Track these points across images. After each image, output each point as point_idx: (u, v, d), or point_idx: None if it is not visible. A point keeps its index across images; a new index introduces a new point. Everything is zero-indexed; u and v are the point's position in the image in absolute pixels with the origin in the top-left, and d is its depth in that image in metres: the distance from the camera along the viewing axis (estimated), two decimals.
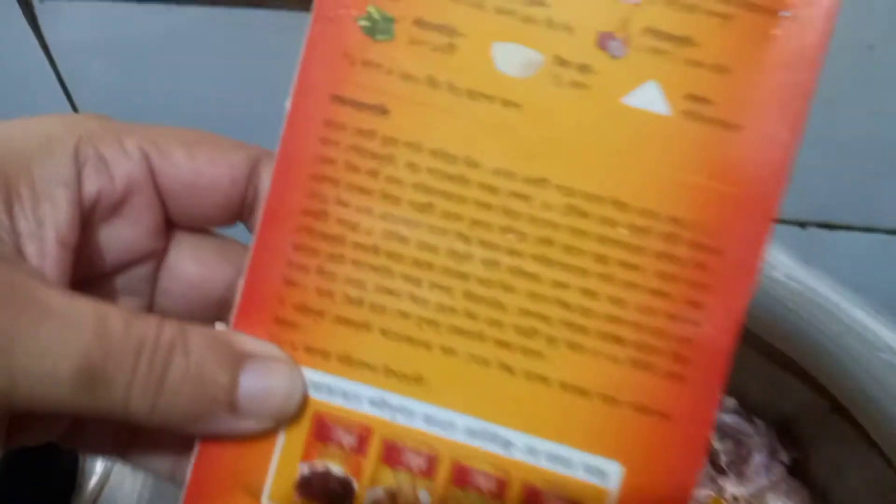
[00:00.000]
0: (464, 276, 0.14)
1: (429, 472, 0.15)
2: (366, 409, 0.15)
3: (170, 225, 0.16)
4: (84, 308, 0.12)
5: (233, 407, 0.14)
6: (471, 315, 0.14)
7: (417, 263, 0.14)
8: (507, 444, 0.15)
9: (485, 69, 0.14)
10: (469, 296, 0.14)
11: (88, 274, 0.15)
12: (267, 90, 0.42)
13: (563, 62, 0.14)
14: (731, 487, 0.36)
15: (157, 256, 0.16)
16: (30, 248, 0.13)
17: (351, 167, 0.14)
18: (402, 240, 0.14)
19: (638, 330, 0.14)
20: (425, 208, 0.14)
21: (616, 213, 0.14)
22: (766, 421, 0.41)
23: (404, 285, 0.15)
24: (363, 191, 0.14)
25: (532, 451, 0.15)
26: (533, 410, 0.14)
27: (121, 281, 0.16)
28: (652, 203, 0.14)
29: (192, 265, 0.17)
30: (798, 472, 0.39)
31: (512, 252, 0.14)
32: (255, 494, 0.15)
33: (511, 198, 0.14)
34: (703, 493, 0.38)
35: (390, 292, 0.15)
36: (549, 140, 0.14)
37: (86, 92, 0.47)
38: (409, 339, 0.15)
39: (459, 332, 0.15)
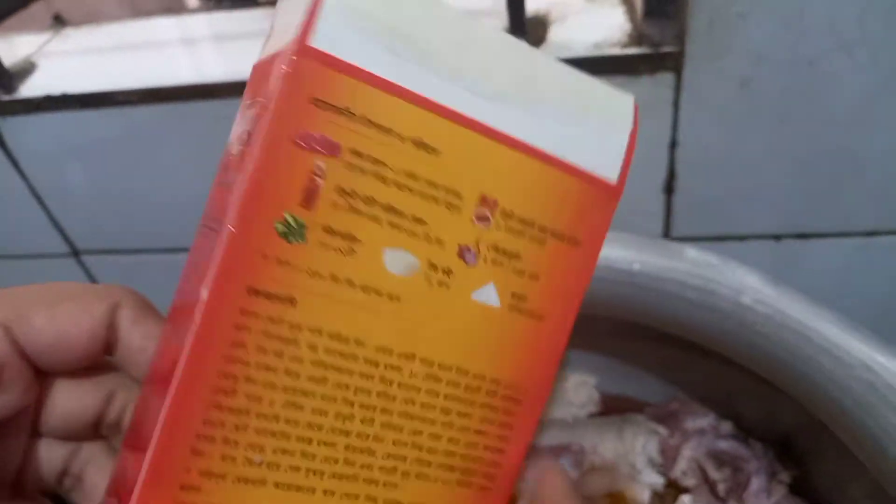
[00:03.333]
0: (346, 433, 0.17)
1: None
2: None
3: (39, 373, 0.18)
4: None
5: None
6: (349, 462, 0.18)
7: (310, 426, 0.17)
8: None
9: (377, 269, 0.17)
10: (349, 447, 0.17)
11: None
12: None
13: (433, 266, 0.17)
14: None
15: (33, 402, 0.18)
16: None
17: (260, 349, 0.16)
18: (299, 407, 0.17)
19: (465, 460, 0.19)
20: (320, 381, 0.17)
21: (459, 377, 0.18)
22: (764, 441, 0.40)
23: (298, 445, 0.17)
24: (269, 368, 0.16)
25: None
26: None
27: (4, 428, 0.17)
28: (483, 369, 0.19)
29: (63, 401, 0.18)
30: (800, 489, 0.39)
31: (384, 411, 0.18)
32: None
33: (387, 369, 0.17)
34: None
35: (285, 452, 0.17)
36: (418, 324, 0.18)
37: (57, 198, 0.48)
38: (298, 488, 0.17)
39: (339, 476, 0.18)
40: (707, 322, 0.33)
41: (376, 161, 0.16)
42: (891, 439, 0.28)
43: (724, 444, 0.39)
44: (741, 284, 0.32)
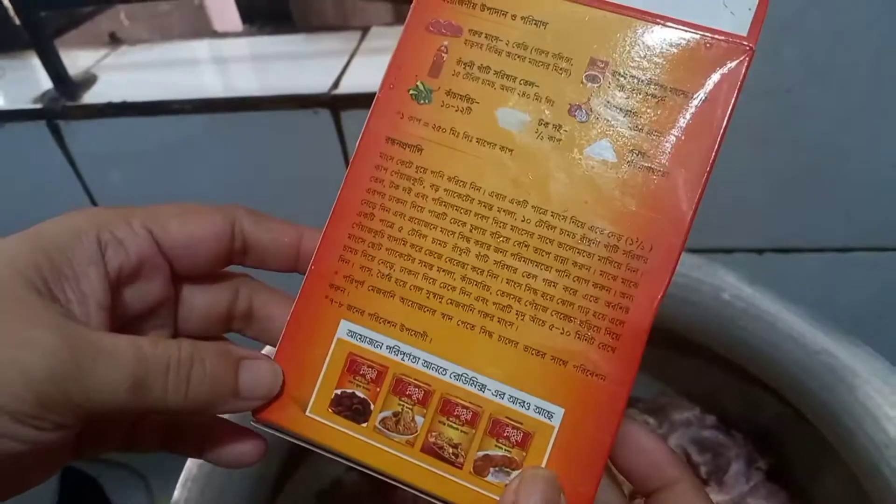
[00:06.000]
0: (462, 265, 0.20)
1: (424, 402, 0.20)
2: (384, 353, 0.20)
3: (177, 276, 0.21)
4: (123, 343, 0.17)
5: (236, 394, 0.19)
6: (465, 292, 0.20)
7: (431, 253, 0.20)
8: (482, 386, 0.20)
9: (490, 125, 0.20)
10: (465, 278, 0.20)
11: (124, 319, 0.20)
12: (266, 180, 0.47)
13: (544, 123, 0.20)
14: (712, 496, 0.39)
15: (173, 299, 0.21)
16: (79, 311, 0.18)
17: (393, 185, 0.20)
18: (422, 236, 0.20)
19: (584, 312, 0.19)
20: (440, 216, 0.20)
21: (574, 227, 0.19)
22: (744, 433, 0.44)
23: (420, 268, 0.20)
24: (399, 201, 0.20)
25: (500, 393, 0.20)
26: (503, 364, 0.20)
27: (151, 320, 0.21)
28: (600, 222, 0.19)
29: (199, 300, 0.22)
30: (778, 476, 0.42)
31: (498, 250, 0.20)
32: (303, 406, 0.20)
33: (501, 213, 0.20)
34: None
35: (410, 272, 0.20)
36: (530, 174, 0.20)
37: (109, 199, 0.52)
38: (420, 306, 0.20)
39: (455, 304, 0.20)
40: (691, 316, 0.38)
41: (491, 37, 0.20)
42: (850, 417, 0.32)
43: (707, 434, 0.42)
44: (721, 282, 0.37)
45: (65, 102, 0.48)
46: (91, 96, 0.48)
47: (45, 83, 0.49)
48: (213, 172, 0.49)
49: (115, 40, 0.56)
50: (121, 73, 0.51)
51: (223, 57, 0.53)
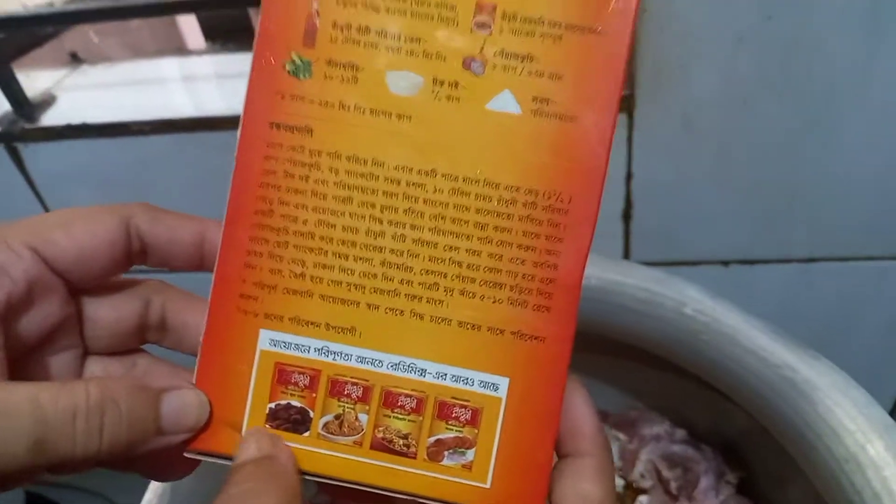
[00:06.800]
0: (379, 249, 0.19)
1: (365, 399, 0.19)
2: (314, 356, 0.19)
3: (75, 290, 0.20)
4: (19, 397, 0.16)
5: (160, 432, 0.18)
6: (387, 278, 0.19)
7: (343, 242, 0.19)
8: (422, 371, 0.19)
9: (381, 92, 0.18)
10: (385, 263, 0.19)
11: (24, 350, 0.18)
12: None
13: (439, 82, 0.18)
14: None
15: (75, 317, 0.20)
16: None
17: (288, 175, 0.19)
18: (331, 226, 0.19)
19: (512, 276, 0.19)
20: (346, 200, 0.19)
21: (489, 190, 0.18)
22: (713, 446, 0.44)
23: (335, 260, 0.19)
24: (298, 192, 0.19)
25: (441, 375, 0.19)
26: (439, 345, 0.19)
27: (54, 343, 0.19)
28: (515, 180, 0.18)
29: (104, 313, 0.20)
30: (746, 489, 0.42)
31: (414, 227, 0.19)
32: (237, 428, 0.19)
33: (410, 186, 0.18)
34: None
35: (325, 266, 0.19)
36: (434, 141, 0.18)
37: None
38: (342, 301, 0.19)
39: (379, 291, 0.19)
40: (654, 330, 0.38)
41: None
42: (811, 431, 0.32)
43: (677, 448, 0.42)
44: (683, 296, 0.37)
45: (23, 125, 0.47)
46: (50, 118, 0.47)
47: (4, 105, 0.49)
48: (175, 192, 0.48)
49: (76, 59, 0.55)
50: (81, 93, 0.50)
51: (185, 75, 0.52)
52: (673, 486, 0.41)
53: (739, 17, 0.37)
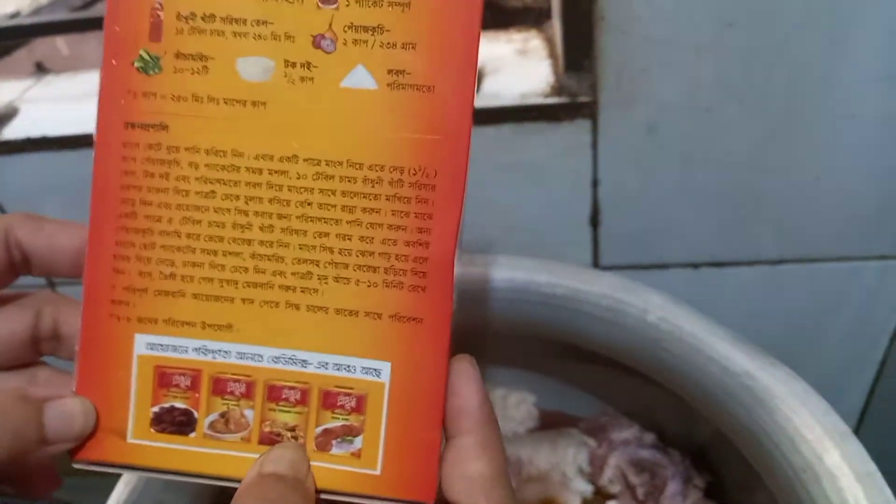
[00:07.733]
0: (248, 242, 0.18)
1: (248, 394, 0.19)
2: (193, 356, 0.19)
3: None
4: None
5: (45, 441, 0.18)
6: (259, 270, 0.19)
7: (211, 238, 0.19)
8: (303, 362, 0.19)
9: (233, 80, 0.18)
10: (255, 256, 0.18)
11: None
12: None
13: (290, 63, 0.18)
14: None
15: None
16: None
17: (148, 174, 0.18)
18: (196, 222, 0.18)
19: (385, 258, 0.18)
20: (209, 195, 0.18)
21: (353, 171, 0.18)
22: (681, 450, 0.44)
23: (204, 257, 0.19)
24: (159, 190, 0.19)
25: (323, 364, 0.19)
26: (319, 334, 0.19)
27: None
28: (378, 158, 0.18)
29: None
30: (715, 494, 0.42)
31: (281, 216, 0.18)
32: (122, 435, 0.19)
33: (273, 175, 0.18)
34: None
35: (194, 265, 0.19)
36: (291, 125, 0.18)
37: None
38: (216, 298, 0.19)
39: (252, 285, 0.19)
40: (618, 338, 0.38)
41: None
42: (769, 440, 0.32)
43: (645, 453, 0.43)
44: (647, 304, 0.37)
45: None
46: (10, 131, 0.47)
47: None
48: None
49: (41, 70, 0.55)
50: (43, 104, 0.50)
51: None
52: (640, 492, 0.41)
53: (701, 24, 0.37)
